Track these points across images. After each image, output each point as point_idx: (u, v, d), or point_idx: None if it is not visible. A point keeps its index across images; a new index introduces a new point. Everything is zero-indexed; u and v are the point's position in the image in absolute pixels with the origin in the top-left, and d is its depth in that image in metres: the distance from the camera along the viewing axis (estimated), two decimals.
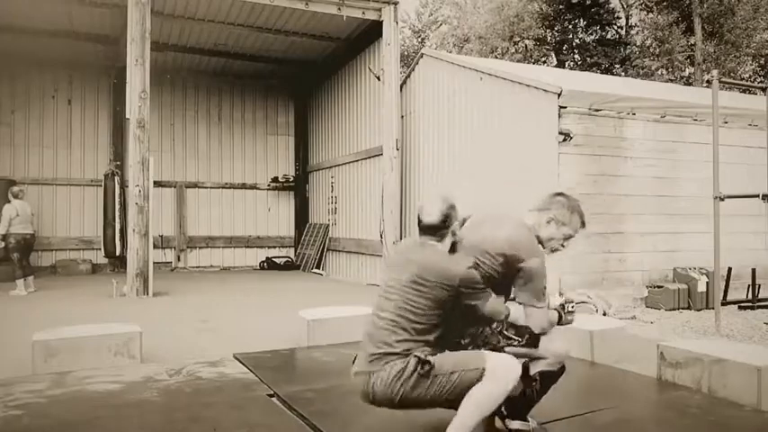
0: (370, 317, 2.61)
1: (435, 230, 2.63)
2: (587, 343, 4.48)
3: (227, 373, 4.18)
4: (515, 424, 2.95)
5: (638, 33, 23.78)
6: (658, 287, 7.68)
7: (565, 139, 7.79)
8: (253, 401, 3.54)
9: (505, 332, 2.76)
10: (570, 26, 23.15)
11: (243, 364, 4.36)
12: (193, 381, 3.97)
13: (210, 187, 14.40)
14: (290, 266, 13.93)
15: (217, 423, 3.15)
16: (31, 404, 3.42)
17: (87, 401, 3.53)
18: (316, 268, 13.33)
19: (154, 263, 8.94)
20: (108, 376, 4.02)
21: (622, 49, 22.35)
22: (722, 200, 6.06)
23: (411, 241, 2.90)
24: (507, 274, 2.73)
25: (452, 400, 2.50)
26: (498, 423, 3.01)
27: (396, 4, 10.50)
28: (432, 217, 2.61)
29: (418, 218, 2.66)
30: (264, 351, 4.76)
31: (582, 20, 23.03)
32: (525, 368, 2.84)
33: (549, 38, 22.98)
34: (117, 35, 11.12)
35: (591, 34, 23.38)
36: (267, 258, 14.24)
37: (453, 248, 2.73)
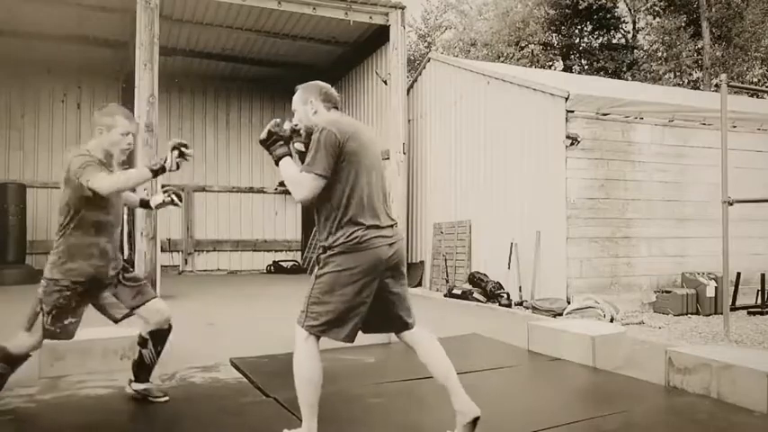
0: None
1: None
2: (592, 349, 4.46)
3: (221, 378, 4.12)
4: (140, 386, 3.50)
5: (645, 38, 23.67)
6: (666, 292, 7.64)
7: (572, 143, 7.77)
8: (246, 407, 3.50)
9: None
10: (576, 31, 23.11)
11: (238, 369, 4.30)
12: (186, 386, 3.91)
13: (218, 191, 14.46)
14: (297, 270, 13.94)
15: (205, 429, 3.11)
16: (20, 409, 3.39)
17: (74, 408, 3.47)
18: None
19: (161, 266, 8.98)
20: (100, 381, 3.96)
21: (629, 54, 22.28)
22: (731, 204, 6.03)
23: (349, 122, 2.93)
24: None
25: None
26: (127, 387, 3.54)
27: (403, 8, 10.52)
28: None
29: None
30: (262, 356, 4.69)
31: (588, 24, 22.98)
32: (140, 335, 3.43)
33: (555, 42, 22.94)
34: (126, 40, 11.19)
35: (597, 38, 23.32)
36: (274, 262, 14.26)
37: None
